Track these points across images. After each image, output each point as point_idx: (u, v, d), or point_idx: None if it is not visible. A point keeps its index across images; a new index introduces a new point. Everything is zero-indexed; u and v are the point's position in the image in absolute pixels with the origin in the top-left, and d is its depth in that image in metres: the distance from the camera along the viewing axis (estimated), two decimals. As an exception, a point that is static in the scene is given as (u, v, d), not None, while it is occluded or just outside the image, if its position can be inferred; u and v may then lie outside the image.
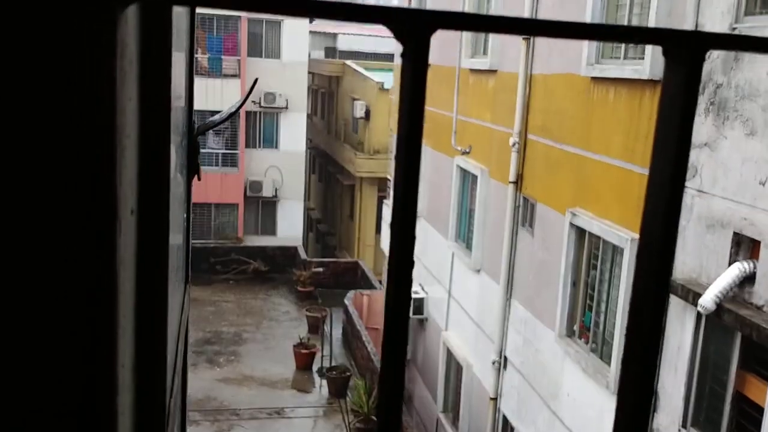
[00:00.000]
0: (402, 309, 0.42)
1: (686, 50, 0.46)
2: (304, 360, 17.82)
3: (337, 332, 19.58)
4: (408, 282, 0.42)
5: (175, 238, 1.34)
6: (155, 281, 0.87)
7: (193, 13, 1.82)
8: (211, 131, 25.92)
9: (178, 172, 1.55)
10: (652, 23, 7.27)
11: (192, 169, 1.85)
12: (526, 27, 0.46)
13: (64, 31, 0.46)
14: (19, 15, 0.44)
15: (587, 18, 8.54)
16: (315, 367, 17.79)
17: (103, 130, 0.49)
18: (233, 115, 3.65)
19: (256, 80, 3.85)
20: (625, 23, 8.10)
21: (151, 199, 0.77)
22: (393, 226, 0.40)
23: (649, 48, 7.31)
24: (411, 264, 0.40)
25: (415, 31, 0.39)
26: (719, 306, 6.06)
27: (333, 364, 17.37)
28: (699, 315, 6.50)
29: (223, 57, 25.63)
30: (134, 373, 0.81)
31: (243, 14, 25.43)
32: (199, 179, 1.98)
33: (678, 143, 0.46)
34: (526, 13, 10.09)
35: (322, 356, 17.66)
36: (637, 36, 0.50)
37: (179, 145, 1.55)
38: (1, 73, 0.45)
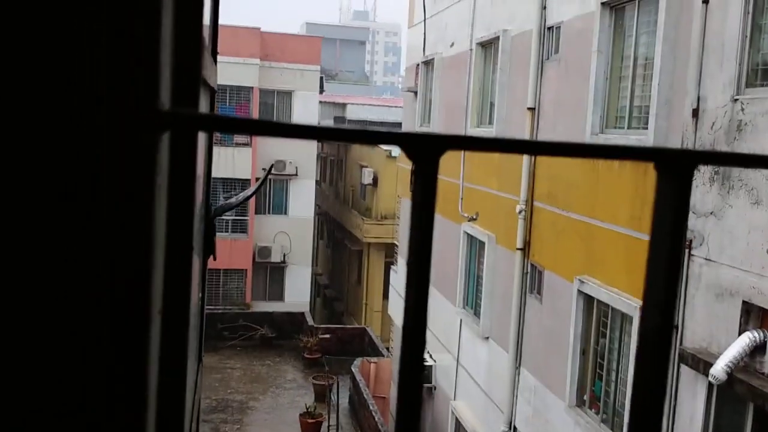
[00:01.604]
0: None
1: (676, 166, 0.48)
2: (310, 429, 17.50)
3: (344, 400, 19.27)
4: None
5: (192, 326, 1.39)
6: (175, 372, 0.90)
7: (213, 98, 1.92)
8: (221, 198, 26.19)
9: (196, 254, 1.60)
10: (654, 96, 7.41)
11: (208, 250, 1.90)
12: (526, 147, 0.50)
13: (112, 152, 0.51)
14: (77, 138, 0.50)
15: (591, 90, 8.71)
16: (321, 437, 17.44)
17: (141, 245, 0.53)
18: (249, 199, 3.76)
19: (272, 166, 3.96)
20: (628, 95, 8.26)
21: (174, 300, 0.82)
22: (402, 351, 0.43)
23: (652, 117, 7.44)
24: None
25: (425, 153, 0.44)
26: (730, 376, 5.98)
27: (340, 433, 17.05)
28: (710, 385, 6.41)
29: (234, 125, 26.09)
30: None
31: (255, 85, 26.03)
32: (214, 259, 2.03)
33: (669, 256, 0.48)
34: (530, 89, 10.30)
35: (329, 425, 17.34)
36: (630, 154, 0.53)
37: (197, 229, 1.60)
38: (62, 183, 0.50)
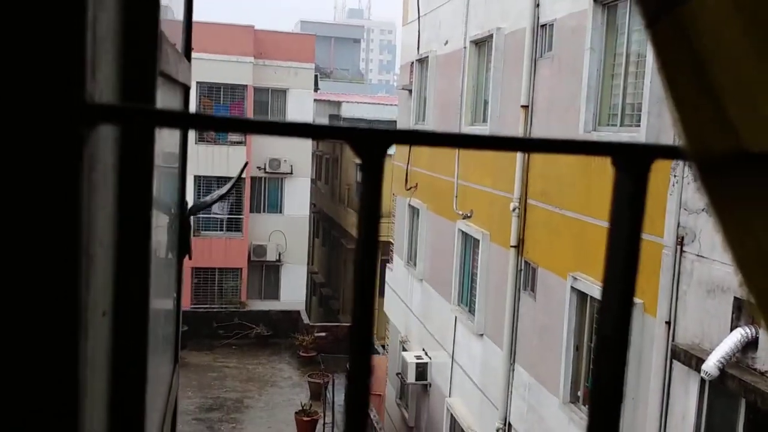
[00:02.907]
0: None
1: (634, 161, 0.49)
2: (305, 428, 17.52)
3: (340, 398, 19.28)
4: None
5: (159, 321, 1.38)
6: (132, 374, 0.88)
7: (186, 96, 1.91)
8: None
9: (168, 252, 1.60)
10: (646, 93, 7.44)
11: (183, 249, 1.91)
12: (480, 142, 0.51)
13: (31, 144, 0.49)
14: None
15: (583, 87, 8.74)
16: (317, 435, 17.46)
17: (65, 240, 0.51)
18: (224, 198, 3.74)
19: (246, 163, 3.98)
20: (620, 93, 8.29)
21: (128, 298, 0.81)
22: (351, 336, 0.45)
23: (645, 114, 7.47)
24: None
25: (371, 148, 0.45)
26: (722, 372, 6.02)
27: (335, 431, 17.07)
28: (703, 381, 6.44)
29: (229, 124, 26.07)
30: None
31: (249, 83, 26.00)
32: (189, 258, 2.04)
33: (627, 251, 0.48)
34: (524, 86, 10.32)
35: (324, 423, 17.36)
36: (588, 149, 0.54)
37: (169, 225, 1.60)
38: None
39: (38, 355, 0.52)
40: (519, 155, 10.39)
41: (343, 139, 0.45)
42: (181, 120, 0.44)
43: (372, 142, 0.44)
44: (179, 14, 1.97)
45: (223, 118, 0.42)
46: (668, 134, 7.16)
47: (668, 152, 0.53)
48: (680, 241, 6.86)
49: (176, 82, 1.46)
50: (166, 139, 1.43)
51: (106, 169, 0.66)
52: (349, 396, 0.45)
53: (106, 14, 0.63)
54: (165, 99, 1.34)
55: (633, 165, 0.49)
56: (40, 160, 0.49)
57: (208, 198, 3.66)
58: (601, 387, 0.51)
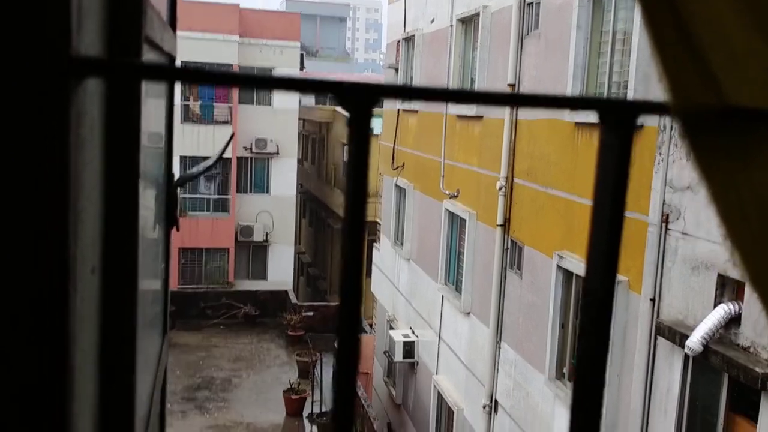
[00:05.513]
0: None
1: (618, 116, 0.49)
2: (294, 406, 17.62)
3: (328, 377, 19.38)
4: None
5: (148, 290, 1.38)
6: (122, 334, 0.89)
7: (173, 62, 1.90)
8: (202, 177, 26.02)
9: (156, 223, 1.60)
10: (632, 71, 7.45)
11: (170, 220, 1.90)
12: (463, 97, 0.51)
13: (14, 102, 0.49)
14: None
15: (570, 65, 8.73)
16: (305, 413, 17.57)
17: (54, 193, 0.51)
18: (210, 168, 3.72)
19: (233, 134, 3.94)
20: (606, 71, 8.29)
21: (116, 256, 0.81)
22: (341, 285, 0.45)
23: (631, 91, 7.48)
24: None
25: (359, 102, 0.45)
26: (706, 347, 6.09)
27: (324, 409, 17.18)
28: (687, 357, 6.52)
29: (214, 104, 25.90)
30: (97, 428, 0.83)
31: (235, 62, 25.79)
32: (177, 230, 2.03)
33: (613, 205, 0.49)
34: (510, 64, 10.30)
35: (313, 401, 17.46)
36: (574, 104, 0.54)
37: (156, 197, 1.60)
38: None
39: (28, 307, 0.52)
40: (505, 134, 10.40)
41: (331, 93, 0.45)
42: (166, 73, 0.43)
43: (360, 95, 0.43)
44: None
45: (209, 72, 0.42)
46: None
47: (653, 108, 0.53)
48: (665, 219, 6.91)
49: (162, 50, 1.45)
50: (152, 114, 1.42)
51: (93, 125, 0.66)
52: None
53: None
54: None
55: (619, 120, 0.50)
56: (28, 113, 0.49)
57: (195, 169, 3.63)
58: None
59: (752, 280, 0.47)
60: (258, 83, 0.44)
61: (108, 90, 0.75)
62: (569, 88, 8.76)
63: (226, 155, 25.36)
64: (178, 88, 16.79)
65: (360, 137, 0.44)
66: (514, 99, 0.51)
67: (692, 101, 0.44)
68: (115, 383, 0.87)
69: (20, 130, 0.49)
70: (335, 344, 0.44)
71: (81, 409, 0.68)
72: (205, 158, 24.42)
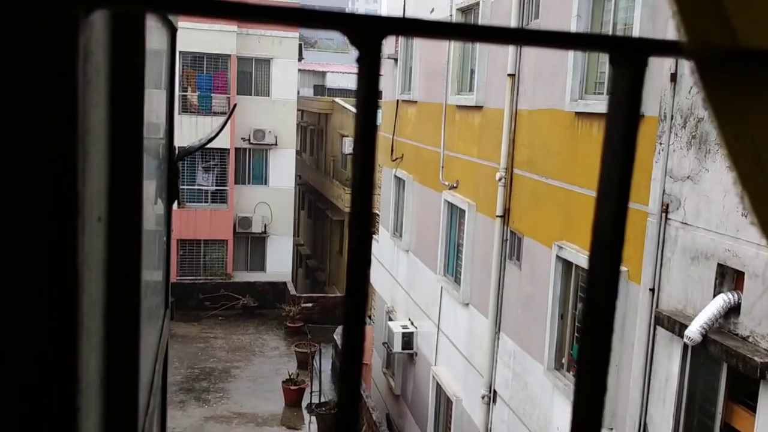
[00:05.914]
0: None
1: (630, 55, 0.48)
2: (293, 396, 17.65)
3: (327, 368, 19.42)
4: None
5: (151, 254, 1.37)
6: (127, 283, 0.88)
7: (173, 38, 1.88)
8: (201, 168, 25.98)
9: (158, 196, 1.59)
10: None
11: (172, 194, 1.89)
12: (473, 33, 0.48)
13: (22, 34, 0.47)
14: None
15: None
16: (304, 404, 17.60)
17: (62, 133, 0.50)
18: (212, 140, 3.71)
19: (234, 105, 3.92)
20: (607, 61, 8.24)
21: (122, 205, 0.79)
22: (350, 227, 0.44)
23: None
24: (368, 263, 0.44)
25: (368, 36, 0.43)
26: (705, 337, 6.10)
27: (322, 400, 17.21)
28: (686, 346, 6.53)
29: (212, 95, 25.82)
30: (103, 384, 0.82)
31: (233, 53, 25.70)
32: (179, 205, 2.03)
33: (624, 146, 0.47)
34: (510, 55, 10.26)
35: (311, 392, 17.49)
36: (583, 42, 0.52)
37: (158, 168, 1.59)
38: None
39: (35, 248, 0.51)
40: (505, 124, 10.38)
41: (338, 28, 0.42)
42: (172, 4, 0.42)
43: (369, 30, 0.41)
44: None
45: (217, 2, 0.40)
46: (654, 101, 7.16)
47: (665, 47, 0.52)
48: (665, 209, 6.90)
49: (164, 19, 1.43)
50: (154, 100, 1.41)
51: (98, 69, 0.65)
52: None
53: None
54: (153, 40, 1.31)
55: (630, 59, 0.48)
56: (37, 44, 0.48)
57: (195, 142, 3.63)
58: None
59: (762, 226, 0.46)
60: (263, 15, 0.42)
61: (113, 26, 0.73)
62: (569, 78, 8.74)
63: (224, 146, 25.31)
64: (177, 88, 16.66)
65: (369, 74, 0.42)
66: (522, 36, 0.49)
67: (706, 41, 0.43)
68: (120, 335, 0.86)
69: (31, 61, 0.48)
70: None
71: (87, 371, 0.67)
72: (204, 149, 24.38)
